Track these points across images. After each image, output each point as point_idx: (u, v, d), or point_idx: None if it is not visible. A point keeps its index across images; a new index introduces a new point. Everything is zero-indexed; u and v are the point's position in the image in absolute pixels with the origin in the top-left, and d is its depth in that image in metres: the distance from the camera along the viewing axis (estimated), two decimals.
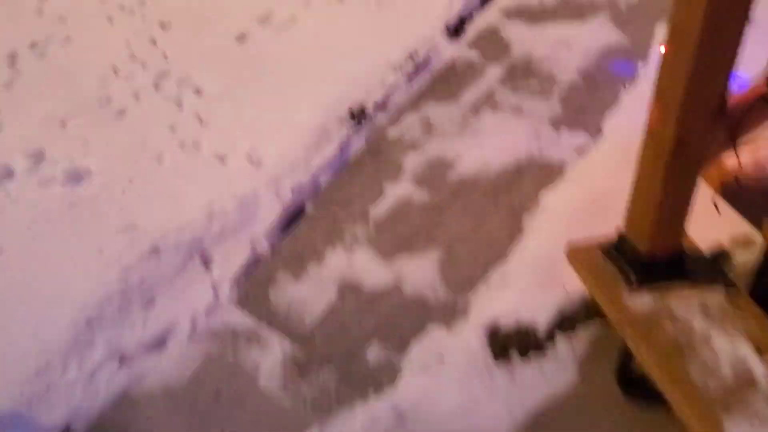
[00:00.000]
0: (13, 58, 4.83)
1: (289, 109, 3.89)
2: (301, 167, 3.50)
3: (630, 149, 3.36)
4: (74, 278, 2.89)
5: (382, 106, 3.93)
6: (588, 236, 2.85)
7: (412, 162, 3.55)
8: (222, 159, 3.59)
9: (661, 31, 4.19)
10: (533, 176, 3.35)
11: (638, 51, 4.08)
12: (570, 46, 4.22)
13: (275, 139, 3.66)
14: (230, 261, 3.03)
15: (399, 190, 3.39)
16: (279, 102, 3.96)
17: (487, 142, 3.60)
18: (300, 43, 4.48)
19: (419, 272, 2.95)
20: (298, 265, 3.06)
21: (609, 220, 2.95)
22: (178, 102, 4.11)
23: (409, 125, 3.80)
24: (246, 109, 3.96)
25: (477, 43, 4.39)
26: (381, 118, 3.88)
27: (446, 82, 4.08)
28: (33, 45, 4.95)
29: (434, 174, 3.46)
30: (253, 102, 4.01)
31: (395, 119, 3.87)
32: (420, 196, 3.35)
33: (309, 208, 3.39)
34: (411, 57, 4.21)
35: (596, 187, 3.12)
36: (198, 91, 4.21)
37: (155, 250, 2.96)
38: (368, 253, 3.08)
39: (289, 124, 3.76)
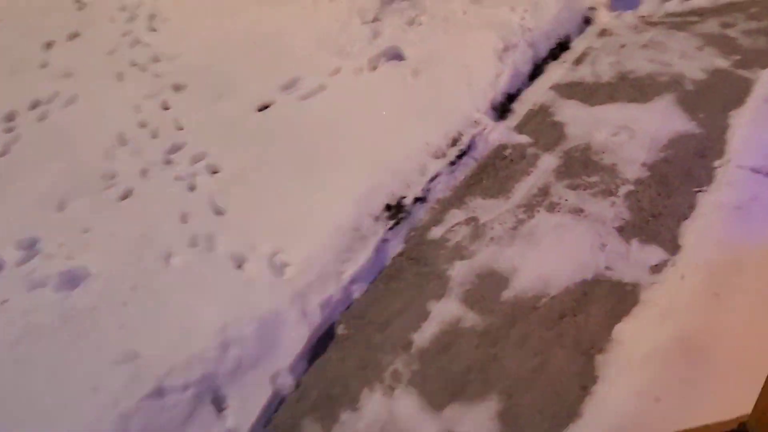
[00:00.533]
0: (11, 120, 4.41)
1: (316, 199, 3.43)
2: (332, 276, 3.03)
3: (718, 275, 2.88)
4: (62, 427, 2.40)
5: (422, 199, 3.46)
6: (684, 396, 2.38)
7: (459, 273, 3.08)
8: (239, 262, 3.12)
9: (737, 121, 3.73)
10: (602, 301, 2.86)
11: (713, 144, 3.62)
12: (633, 133, 3.75)
13: (301, 237, 3.20)
14: (248, 404, 2.55)
15: (446, 311, 2.91)
16: (305, 190, 3.51)
17: (545, 253, 3.12)
18: (328, 117, 4.04)
19: (475, 429, 2.45)
20: (327, 412, 2.57)
21: (705, 371, 2.48)
22: (191, 183, 3.66)
23: (454, 224, 3.34)
24: (268, 196, 3.50)
25: (527, 126, 3.93)
26: (421, 214, 3.42)
27: (494, 173, 3.62)
28: (34, 104, 4.53)
29: (486, 290, 2.98)
30: (276, 187, 3.55)
31: (438, 216, 3.40)
32: (470, 319, 2.86)
33: (340, 328, 2.91)
34: (454, 141, 3.76)
35: (683, 323, 2.63)
36: (214, 171, 3.76)
37: (159, 392, 2.47)
38: (412, 397, 2.59)
39: (316, 219, 3.30)
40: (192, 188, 3.62)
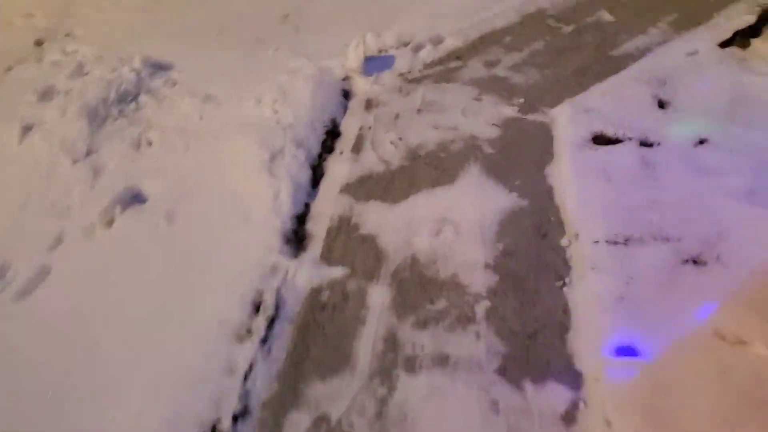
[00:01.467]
0: None
1: None
2: None
3: (649, 410, 2.31)
4: None
5: (243, 413, 2.48)
6: None
7: None
8: None
9: (557, 180, 3.30)
10: None
11: (547, 216, 3.13)
12: (456, 226, 3.14)
13: None
14: None
15: None
16: None
17: None
18: (65, 318, 2.85)
19: None
20: None
21: None
22: None
23: None
24: None
25: (334, 251, 3.11)
26: None
27: (321, 334, 2.75)
28: None
29: None
30: None
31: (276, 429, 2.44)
32: None
33: None
34: (255, 306, 2.81)
35: None
36: None
37: None
38: None
39: None
40: None
